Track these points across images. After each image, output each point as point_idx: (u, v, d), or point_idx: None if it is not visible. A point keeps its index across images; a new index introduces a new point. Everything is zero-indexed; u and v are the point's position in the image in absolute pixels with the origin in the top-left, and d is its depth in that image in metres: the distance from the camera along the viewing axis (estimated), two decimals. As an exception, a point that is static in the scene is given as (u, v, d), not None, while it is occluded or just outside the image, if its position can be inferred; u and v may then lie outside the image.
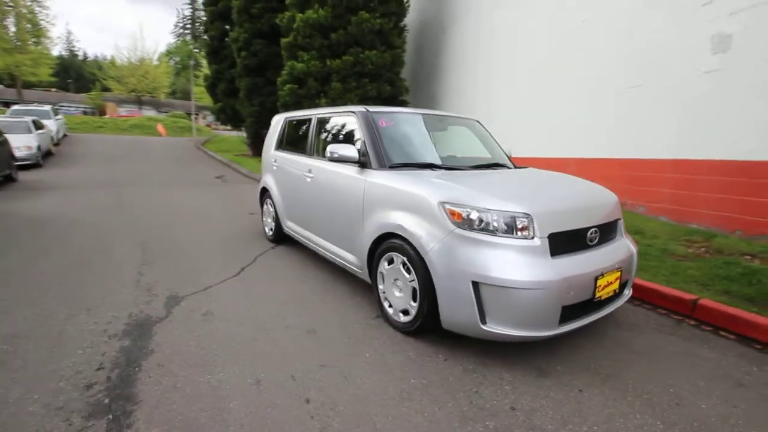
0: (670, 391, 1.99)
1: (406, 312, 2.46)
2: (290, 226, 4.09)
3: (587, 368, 2.17)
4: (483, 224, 2.09)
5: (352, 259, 3.00)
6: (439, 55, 10.47)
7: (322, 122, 3.63)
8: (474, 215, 2.10)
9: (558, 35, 6.64)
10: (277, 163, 4.27)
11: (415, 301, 2.37)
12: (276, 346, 2.34)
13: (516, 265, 2.01)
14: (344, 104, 9.77)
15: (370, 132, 2.93)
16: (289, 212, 4.07)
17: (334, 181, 3.16)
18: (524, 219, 2.07)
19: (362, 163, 2.87)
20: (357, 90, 9.85)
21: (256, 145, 15.72)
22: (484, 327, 2.05)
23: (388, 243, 2.55)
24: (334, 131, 3.46)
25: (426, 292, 2.26)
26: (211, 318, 2.68)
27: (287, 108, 10.72)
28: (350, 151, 2.84)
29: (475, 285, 2.05)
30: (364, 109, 3.07)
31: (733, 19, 4.11)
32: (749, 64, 4.05)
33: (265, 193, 4.67)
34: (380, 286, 2.67)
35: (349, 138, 3.20)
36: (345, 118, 3.30)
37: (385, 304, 2.64)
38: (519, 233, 2.07)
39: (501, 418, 1.76)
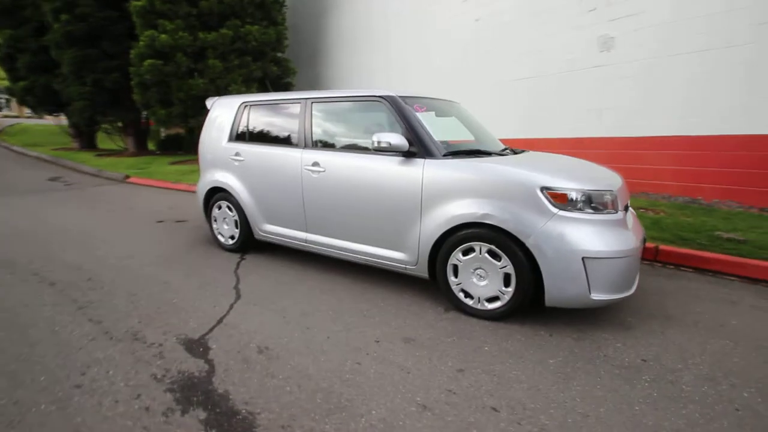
0: (705, 316, 2.59)
1: (494, 299, 2.48)
2: (271, 231, 3.51)
3: (647, 314, 2.61)
4: (583, 204, 2.26)
5: (399, 257, 2.81)
6: (321, 35, 10.08)
7: (323, 108, 3.18)
8: (578, 197, 2.26)
9: (452, 27, 7.21)
10: (243, 157, 3.56)
11: (507, 286, 2.42)
12: (390, 365, 2.08)
13: (616, 238, 2.26)
14: (227, 85, 8.58)
15: (411, 120, 2.74)
16: (271, 214, 3.49)
17: (365, 175, 2.86)
18: (612, 196, 2.33)
19: (410, 153, 2.68)
20: (240, 69, 8.78)
21: (88, 135, 12.43)
22: (593, 297, 2.26)
23: (463, 233, 2.49)
24: (348, 119, 3.09)
25: (526, 275, 2.33)
26: (274, 354, 2.17)
27: (145, 88, 8.82)
28: (399, 140, 2.61)
29: (583, 261, 2.22)
30: (394, 94, 2.84)
31: (614, 25, 5.24)
32: (626, 61, 5.26)
33: (215, 194, 3.86)
34: (452, 279, 2.60)
35: (371, 126, 2.93)
36: (364, 103, 2.98)
37: (461, 296, 2.60)
38: (609, 209, 2.32)
39: (646, 371, 2.01)
